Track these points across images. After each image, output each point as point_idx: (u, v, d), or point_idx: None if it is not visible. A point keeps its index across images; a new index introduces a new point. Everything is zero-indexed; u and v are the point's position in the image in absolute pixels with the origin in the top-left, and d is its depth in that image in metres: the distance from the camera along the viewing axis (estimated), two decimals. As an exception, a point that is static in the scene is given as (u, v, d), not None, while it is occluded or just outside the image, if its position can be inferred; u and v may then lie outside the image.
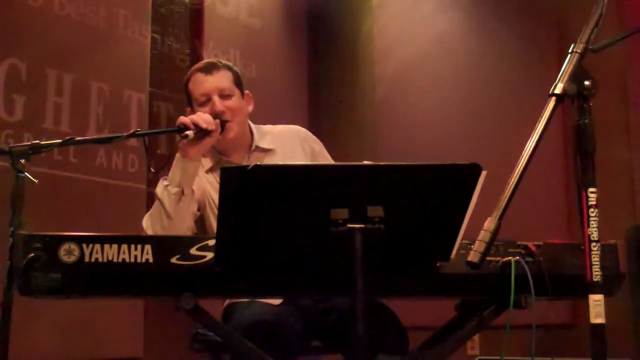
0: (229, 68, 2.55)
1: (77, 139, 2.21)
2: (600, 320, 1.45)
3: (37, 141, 2.07)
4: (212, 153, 2.53)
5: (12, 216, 1.89)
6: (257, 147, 2.55)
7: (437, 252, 1.79)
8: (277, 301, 2.39)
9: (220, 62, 2.56)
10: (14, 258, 1.75)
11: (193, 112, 2.44)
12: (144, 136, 2.30)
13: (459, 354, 2.07)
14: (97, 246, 1.76)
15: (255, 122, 2.66)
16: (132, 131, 2.25)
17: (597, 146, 1.50)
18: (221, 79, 2.49)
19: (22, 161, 1.98)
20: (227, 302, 2.50)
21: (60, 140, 2.15)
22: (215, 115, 2.38)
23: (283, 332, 2.23)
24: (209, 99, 2.44)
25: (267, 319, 2.23)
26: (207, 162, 2.53)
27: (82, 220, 3.55)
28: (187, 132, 2.21)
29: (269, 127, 2.66)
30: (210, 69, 2.50)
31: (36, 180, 2.01)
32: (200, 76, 2.48)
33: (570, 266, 1.96)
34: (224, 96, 2.46)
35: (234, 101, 2.48)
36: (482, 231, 1.41)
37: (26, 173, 1.98)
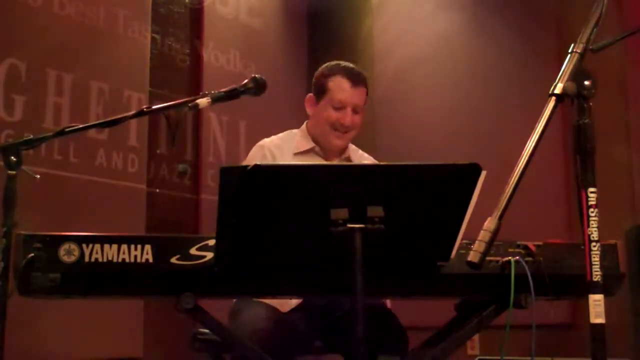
0: (366, 83, 2.63)
1: (72, 127, 2.10)
2: (600, 320, 1.44)
3: (30, 135, 2.01)
4: (308, 139, 2.65)
5: (5, 216, 1.86)
6: (348, 157, 2.68)
7: (437, 252, 1.79)
8: (285, 304, 2.38)
9: (363, 74, 2.63)
10: (14, 258, 1.75)
11: (317, 103, 2.59)
12: (149, 114, 2.19)
13: (459, 354, 2.07)
14: (97, 246, 1.76)
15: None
16: (139, 109, 2.14)
17: (597, 146, 1.50)
18: (360, 96, 2.59)
19: (14, 158, 1.91)
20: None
21: (56, 130, 2.08)
22: (341, 124, 2.53)
23: (285, 342, 2.24)
24: (341, 108, 2.55)
25: (271, 327, 2.23)
26: (300, 145, 2.64)
27: (82, 220, 3.55)
28: (198, 102, 2.10)
29: (353, 146, 2.77)
30: (356, 81, 2.57)
31: (37, 176, 1.99)
32: (345, 83, 2.56)
33: (570, 266, 1.96)
34: (355, 112, 2.58)
35: (360, 117, 2.61)
36: (482, 231, 1.41)
37: (24, 168, 1.92)
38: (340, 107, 2.56)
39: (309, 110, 2.67)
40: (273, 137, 2.68)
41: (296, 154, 2.62)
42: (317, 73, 2.66)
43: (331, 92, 2.57)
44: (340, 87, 2.56)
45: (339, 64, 2.63)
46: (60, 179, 3.66)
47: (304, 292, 2.08)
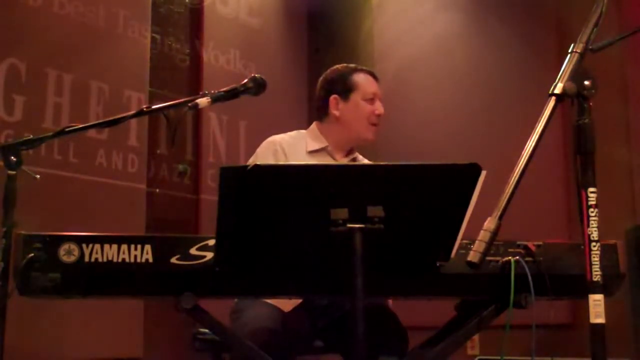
0: None
1: (72, 127, 2.12)
2: (600, 320, 1.44)
3: (30, 135, 2.01)
4: (320, 139, 2.67)
5: (5, 216, 1.86)
6: (355, 157, 2.74)
7: (437, 252, 1.79)
8: (287, 304, 2.38)
9: None
10: (14, 258, 1.75)
11: (346, 101, 2.64)
12: (149, 114, 2.21)
13: (459, 354, 2.07)
14: (97, 246, 1.77)
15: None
16: (139, 109, 2.16)
17: (597, 146, 1.50)
18: (380, 89, 2.72)
19: (14, 158, 1.92)
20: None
21: (56, 130, 2.09)
22: (376, 116, 2.63)
23: (287, 341, 2.24)
24: (372, 99, 2.66)
25: (272, 327, 2.23)
26: (311, 144, 2.66)
27: (82, 220, 3.55)
28: (198, 102, 2.15)
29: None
30: (375, 75, 2.73)
31: (37, 176, 1.99)
32: (370, 78, 2.70)
33: (570, 266, 1.96)
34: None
35: None
36: (482, 231, 1.41)
37: (24, 168, 1.93)
38: (371, 99, 2.65)
39: (335, 111, 2.67)
40: (283, 135, 2.69)
41: (310, 152, 2.64)
42: (333, 75, 2.70)
43: (361, 86, 2.65)
44: (368, 81, 2.68)
45: (350, 65, 2.72)
46: (60, 179, 3.66)
47: (304, 292, 2.08)
